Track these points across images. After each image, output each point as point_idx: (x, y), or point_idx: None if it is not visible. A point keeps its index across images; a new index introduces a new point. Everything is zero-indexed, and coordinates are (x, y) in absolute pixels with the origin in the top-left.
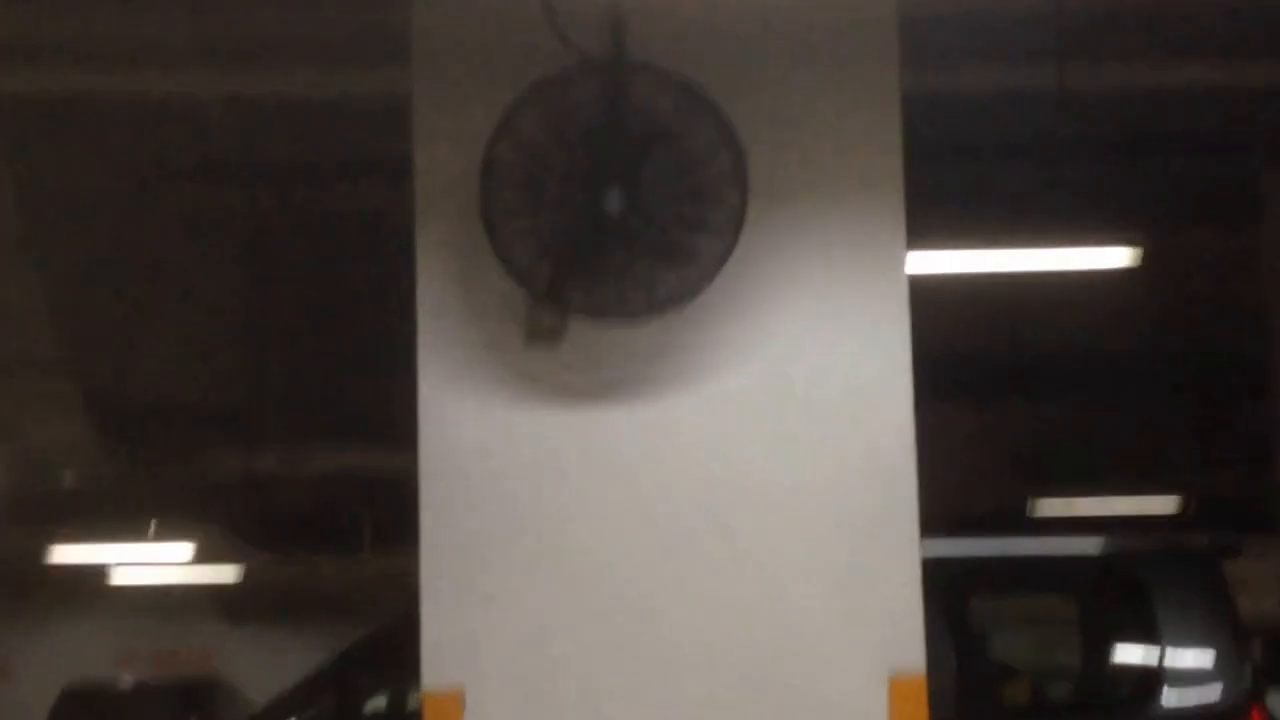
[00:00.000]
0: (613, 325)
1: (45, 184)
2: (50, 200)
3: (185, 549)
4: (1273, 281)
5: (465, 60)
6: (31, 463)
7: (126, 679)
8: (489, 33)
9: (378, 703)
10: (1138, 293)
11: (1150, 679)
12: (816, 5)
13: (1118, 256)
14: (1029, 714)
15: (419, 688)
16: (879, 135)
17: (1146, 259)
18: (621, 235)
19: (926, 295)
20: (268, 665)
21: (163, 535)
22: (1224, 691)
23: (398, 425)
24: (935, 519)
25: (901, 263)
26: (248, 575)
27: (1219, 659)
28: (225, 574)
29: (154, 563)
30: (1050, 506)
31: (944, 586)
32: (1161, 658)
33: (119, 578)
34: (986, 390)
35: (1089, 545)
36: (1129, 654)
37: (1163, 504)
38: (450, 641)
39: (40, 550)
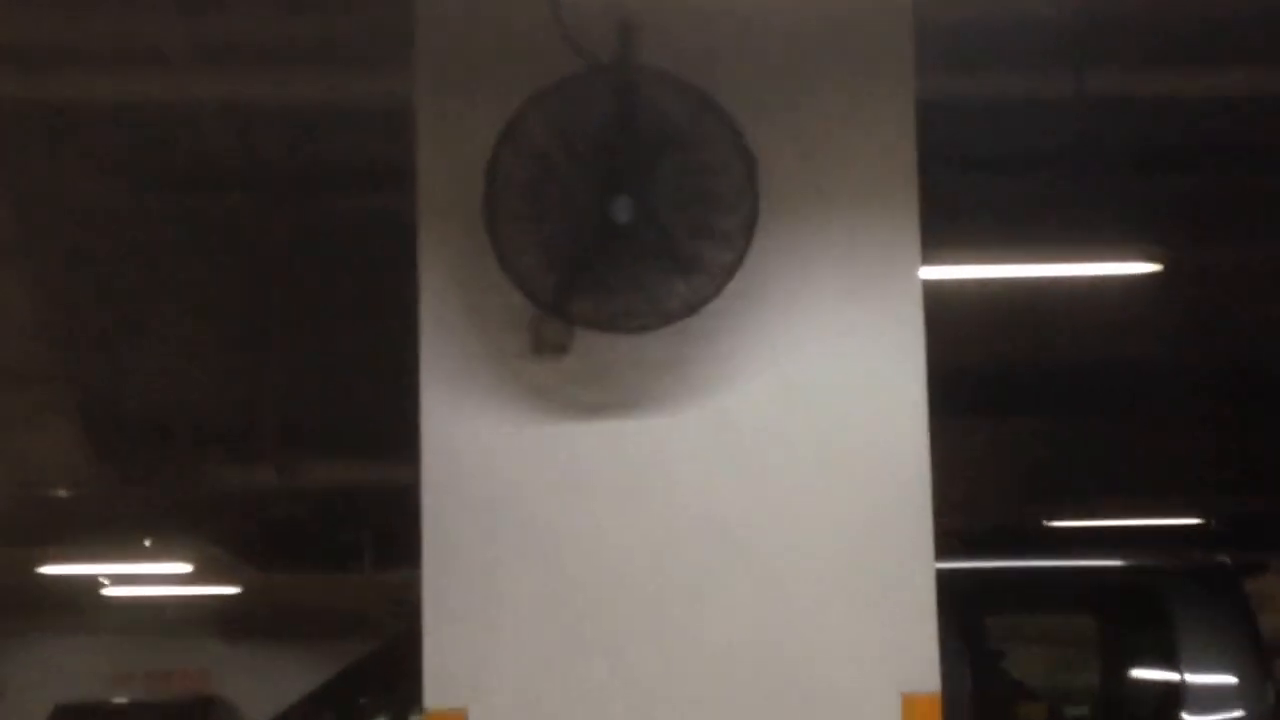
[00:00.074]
0: (621, 336)
1: (37, 191)
2: (43, 208)
3: (180, 566)
4: None
5: (469, 64)
6: (23, 477)
7: (120, 697)
8: (494, 36)
9: None
10: (1158, 304)
11: (1170, 700)
12: (830, 11)
13: (1138, 266)
14: None
15: (422, 708)
16: (893, 143)
17: (1168, 270)
18: (630, 244)
19: (941, 306)
20: (265, 685)
21: (158, 552)
22: (1246, 714)
23: (399, 439)
24: (950, 534)
25: (916, 274)
26: (245, 593)
27: (1241, 680)
28: (222, 591)
29: (149, 580)
30: (1068, 522)
31: (959, 603)
32: (1182, 678)
33: (113, 595)
34: (1003, 403)
35: (1107, 562)
36: (1148, 674)
37: (1183, 520)
38: (454, 661)
39: (32, 566)
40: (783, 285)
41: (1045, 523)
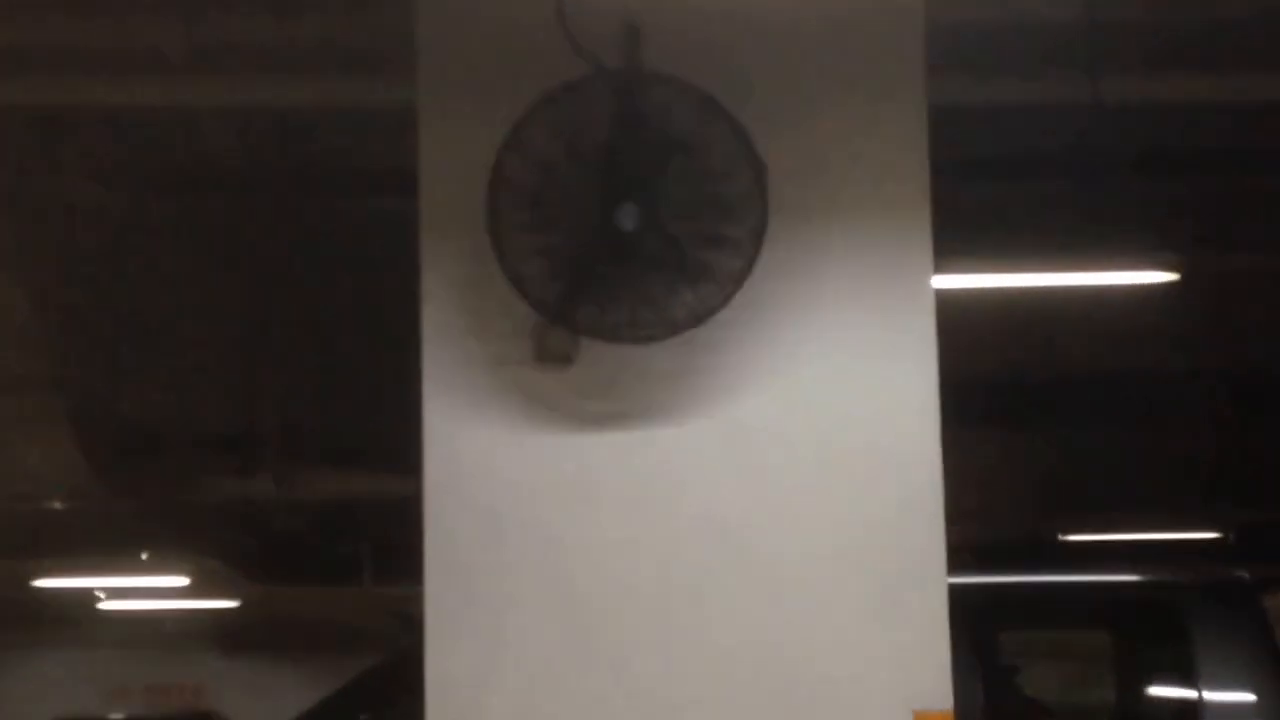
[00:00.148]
0: (626, 346)
1: (34, 197)
2: (39, 214)
3: (178, 579)
4: None
5: (472, 68)
6: (17, 489)
7: (117, 712)
8: (497, 41)
9: None
10: (1175, 312)
11: (1187, 718)
12: (840, 15)
13: (1154, 275)
14: None
15: None
16: (905, 150)
17: (1185, 277)
18: (636, 252)
19: (953, 314)
20: (264, 700)
21: (154, 565)
22: None
23: (401, 450)
24: (963, 548)
25: (928, 283)
26: (243, 606)
27: (1260, 698)
28: (220, 605)
29: (146, 593)
30: (1083, 536)
31: (972, 618)
32: (1199, 695)
33: (109, 608)
34: (1017, 414)
35: (1123, 577)
36: (1164, 691)
37: (1201, 534)
38: (456, 677)
39: (28, 580)
40: (792, 295)
41: (1060, 537)
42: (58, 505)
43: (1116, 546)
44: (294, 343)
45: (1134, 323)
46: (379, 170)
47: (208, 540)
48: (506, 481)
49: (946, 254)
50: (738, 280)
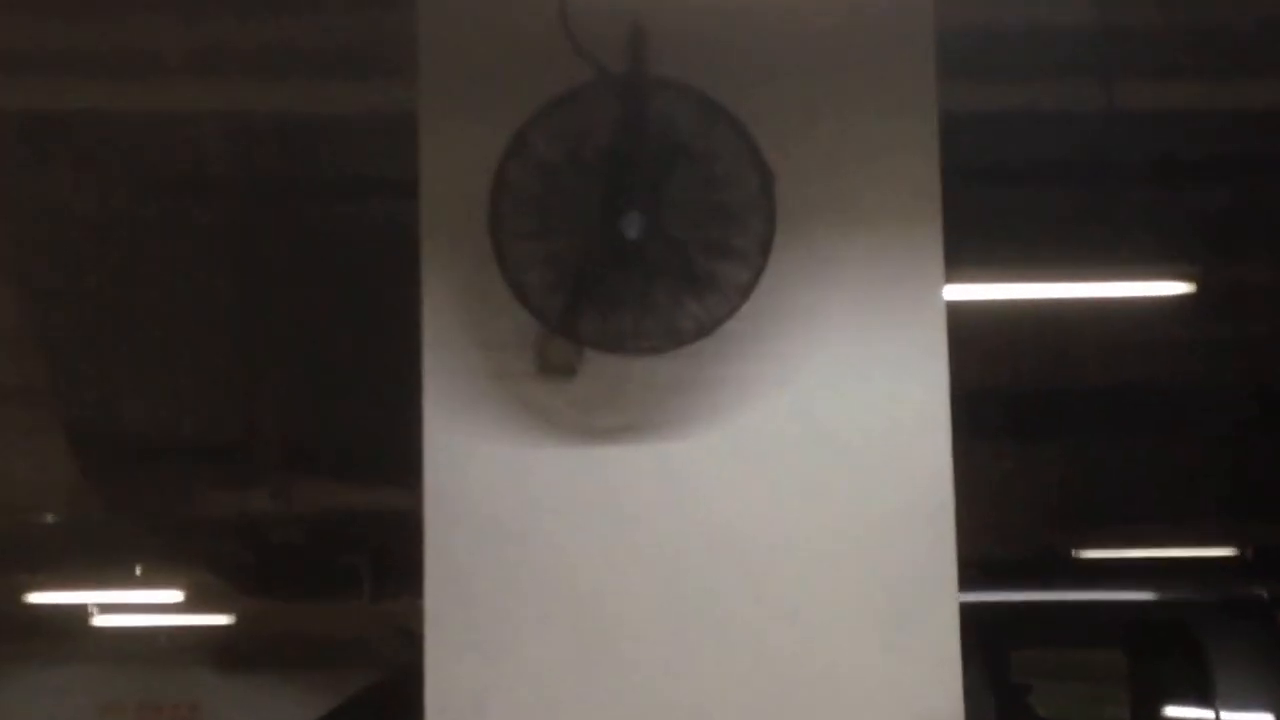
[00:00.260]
0: (631, 357)
1: (27, 203)
2: (32, 220)
3: (172, 594)
4: None
5: (474, 73)
6: (8, 501)
7: None
8: (499, 46)
9: None
10: (1191, 323)
11: None
12: (849, 20)
13: (1170, 286)
14: None
15: None
16: (915, 157)
17: (1201, 288)
18: (640, 262)
19: (964, 325)
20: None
21: (148, 579)
22: None
23: (401, 462)
24: (974, 564)
25: (939, 293)
26: (239, 622)
27: (1278, 717)
28: (215, 621)
29: (140, 608)
30: (1097, 552)
31: (983, 637)
32: (1216, 715)
33: (102, 624)
34: (1030, 427)
35: (1138, 594)
36: (1180, 710)
37: (1217, 550)
38: (457, 695)
39: (19, 594)
40: (800, 305)
41: (1074, 553)
42: (50, 518)
43: (1131, 563)
44: (292, 353)
45: (1149, 334)
46: (379, 177)
47: (203, 554)
48: (508, 494)
49: (958, 264)
50: (744, 291)
